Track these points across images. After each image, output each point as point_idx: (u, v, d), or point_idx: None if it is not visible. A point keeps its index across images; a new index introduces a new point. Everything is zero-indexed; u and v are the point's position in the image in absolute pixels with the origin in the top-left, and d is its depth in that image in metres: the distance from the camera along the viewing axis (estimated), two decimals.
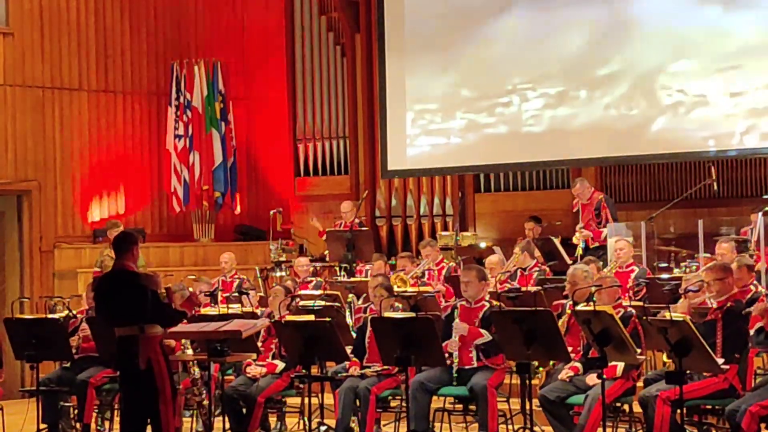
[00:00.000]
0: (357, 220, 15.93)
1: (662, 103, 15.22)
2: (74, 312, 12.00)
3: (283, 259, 15.90)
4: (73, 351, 11.37)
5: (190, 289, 12.12)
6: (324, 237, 16.07)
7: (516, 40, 16.14)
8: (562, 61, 15.83)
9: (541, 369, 10.20)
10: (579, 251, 13.93)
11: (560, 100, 15.87)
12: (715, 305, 9.13)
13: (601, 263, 12.72)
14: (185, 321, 9.51)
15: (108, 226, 15.06)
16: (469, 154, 16.43)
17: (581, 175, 15.59)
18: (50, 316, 11.73)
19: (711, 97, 14.90)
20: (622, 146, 15.45)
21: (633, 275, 12.38)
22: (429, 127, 16.78)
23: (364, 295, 12.54)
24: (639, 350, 9.01)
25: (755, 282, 11.00)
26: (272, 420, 11.26)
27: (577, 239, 14.03)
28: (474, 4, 16.37)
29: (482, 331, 9.87)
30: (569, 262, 13.48)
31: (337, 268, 14.85)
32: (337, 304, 12.42)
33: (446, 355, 9.80)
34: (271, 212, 16.88)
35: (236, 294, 13.13)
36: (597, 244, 13.96)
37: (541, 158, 15.96)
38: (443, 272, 13.61)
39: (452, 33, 16.57)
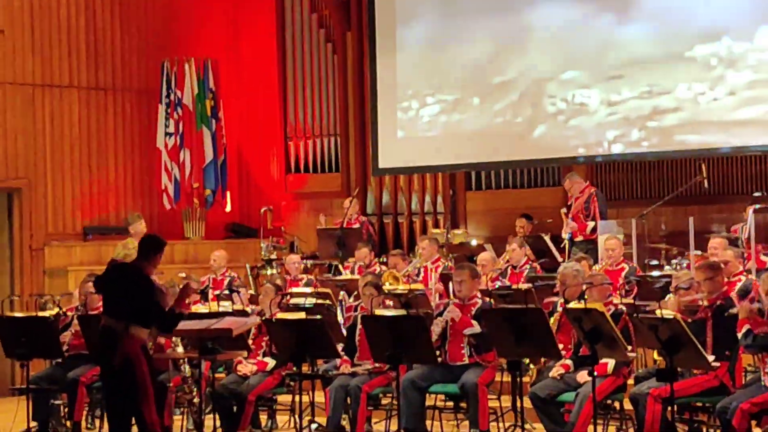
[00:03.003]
0: (363, 218, 15.97)
1: (546, 111, 15.83)
2: (64, 310, 11.99)
3: (273, 256, 15.89)
4: (64, 348, 11.36)
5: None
6: None
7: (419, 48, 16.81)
8: (462, 68, 16.43)
9: (532, 366, 10.21)
10: (565, 243, 13.98)
11: (455, 106, 16.47)
12: (705, 303, 9.14)
13: (592, 260, 12.74)
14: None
15: (131, 220, 14.92)
16: (459, 151, 16.43)
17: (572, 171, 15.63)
18: (40, 314, 11.72)
19: (590, 106, 15.51)
20: (506, 153, 16.16)
21: (623, 273, 12.39)
22: (419, 124, 16.78)
23: (355, 292, 12.53)
24: (629, 347, 9.03)
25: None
26: (263, 418, 11.25)
27: (564, 231, 14.06)
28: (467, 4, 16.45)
29: (473, 322, 9.89)
30: (560, 259, 13.49)
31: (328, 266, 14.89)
32: (328, 301, 12.41)
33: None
34: (262, 210, 16.88)
35: (227, 292, 13.11)
36: (581, 238, 13.98)
37: (531, 156, 16.01)
38: (439, 270, 13.58)
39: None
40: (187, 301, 9.39)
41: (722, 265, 9.79)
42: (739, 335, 8.53)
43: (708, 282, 9.11)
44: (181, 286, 9.60)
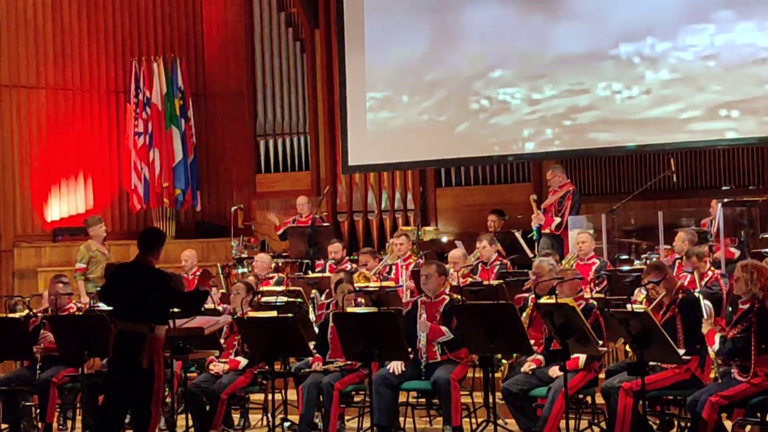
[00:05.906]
0: (317, 215, 15.92)
1: (468, 109, 15.98)
2: (34, 311, 11.92)
3: (244, 255, 15.86)
4: (38, 361, 11.28)
5: None
6: (279, 232, 16.07)
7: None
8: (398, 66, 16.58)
9: (504, 362, 10.23)
10: (533, 235, 14.05)
11: (383, 104, 16.68)
12: (667, 300, 9.16)
13: (558, 256, 12.76)
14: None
15: (91, 222, 14.86)
16: (429, 148, 16.45)
17: (543, 168, 15.69)
18: (10, 315, 11.65)
19: (512, 105, 15.69)
20: (432, 152, 16.32)
21: (594, 267, 12.44)
22: (389, 122, 16.78)
23: (327, 290, 12.52)
24: (601, 342, 9.06)
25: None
26: (235, 417, 11.24)
27: (534, 223, 14.12)
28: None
29: (444, 329, 9.90)
30: (531, 255, 13.52)
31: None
32: (299, 299, 12.40)
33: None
34: (233, 209, 16.87)
35: None
36: (548, 231, 14.03)
37: (499, 152, 16.04)
38: (410, 267, 13.57)
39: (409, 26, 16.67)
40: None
41: (665, 264, 9.79)
42: (715, 347, 8.49)
43: (662, 282, 9.16)
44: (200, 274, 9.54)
